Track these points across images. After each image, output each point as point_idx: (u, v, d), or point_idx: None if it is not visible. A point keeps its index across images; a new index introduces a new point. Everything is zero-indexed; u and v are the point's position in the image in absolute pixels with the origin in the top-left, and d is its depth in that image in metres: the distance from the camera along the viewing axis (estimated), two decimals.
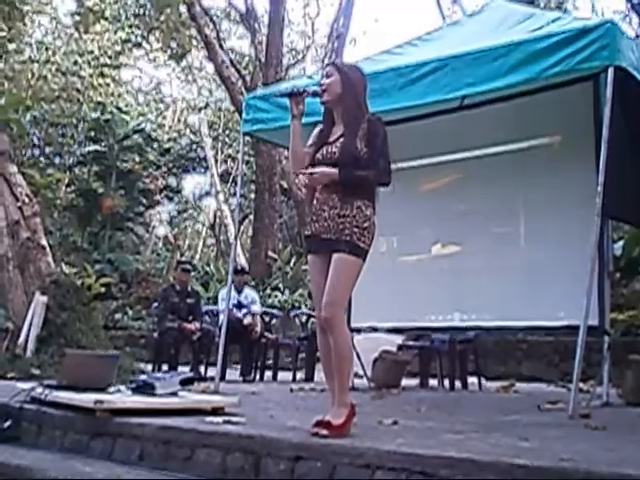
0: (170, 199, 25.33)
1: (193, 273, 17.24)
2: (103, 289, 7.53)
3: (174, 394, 4.06)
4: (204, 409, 3.91)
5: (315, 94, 3.53)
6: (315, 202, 3.48)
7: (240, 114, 17.07)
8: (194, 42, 18.39)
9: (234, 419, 3.62)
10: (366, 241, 3.39)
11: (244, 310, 7.82)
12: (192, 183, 28.29)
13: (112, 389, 4.14)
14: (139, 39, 21.38)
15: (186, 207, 27.80)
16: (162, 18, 11.40)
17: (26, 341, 6.41)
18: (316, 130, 3.62)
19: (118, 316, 13.47)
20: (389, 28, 43.59)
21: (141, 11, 18.41)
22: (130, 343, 12.47)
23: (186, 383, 4.20)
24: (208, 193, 26.62)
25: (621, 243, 9.51)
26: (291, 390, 6.22)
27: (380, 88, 5.48)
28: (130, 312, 13.79)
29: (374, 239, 3.48)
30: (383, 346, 7.25)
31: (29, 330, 6.44)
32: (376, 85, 5.56)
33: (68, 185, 21.30)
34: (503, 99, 5.63)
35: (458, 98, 5.60)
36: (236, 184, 24.88)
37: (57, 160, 23.46)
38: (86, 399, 3.69)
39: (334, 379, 3.42)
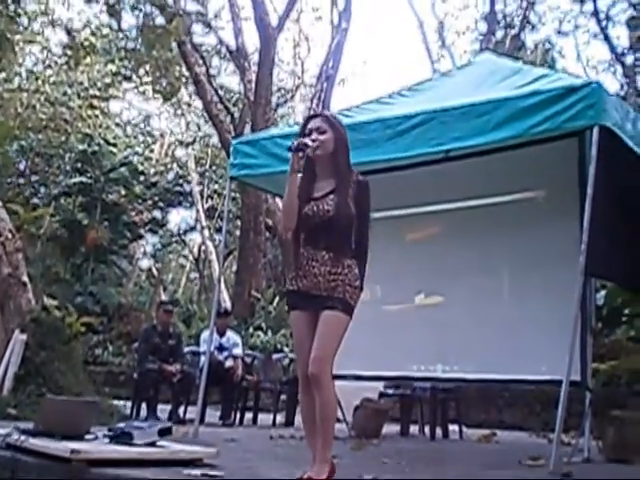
0: (155, 232, 25.27)
1: (176, 309, 17.20)
2: (84, 328, 7.43)
3: (152, 444, 4.01)
4: (182, 460, 3.86)
5: (302, 149, 3.42)
6: (301, 258, 3.44)
7: (227, 152, 17.20)
8: (183, 79, 18.54)
9: (212, 472, 3.57)
10: (356, 300, 3.41)
11: (225, 353, 7.77)
12: (177, 217, 28.31)
13: (90, 436, 4.08)
14: (129, 72, 21.52)
15: (170, 241, 27.73)
16: (153, 53, 11.49)
17: (3, 379, 6.29)
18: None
19: (98, 351, 13.33)
20: (378, 70, 44.33)
21: (131, 45, 18.51)
22: (109, 380, 12.35)
23: (164, 433, 4.14)
24: (193, 228, 26.61)
25: (604, 292, 9.60)
26: (271, 437, 6.15)
27: (368, 139, 5.55)
28: (111, 348, 13.66)
29: None
30: (365, 391, 7.21)
31: (7, 368, 6.32)
32: (364, 135, 5.64)
33: (52, 215, 21.19)
34: (489, 152, 5.69)
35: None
36: (221, 220, 25.05)
37: (42, 190, 23.39)
38: (62, 448, 3.63)
39: (315, 437, 3.39)
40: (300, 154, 3.40)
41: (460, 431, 7.63)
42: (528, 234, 5.91)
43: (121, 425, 4.12)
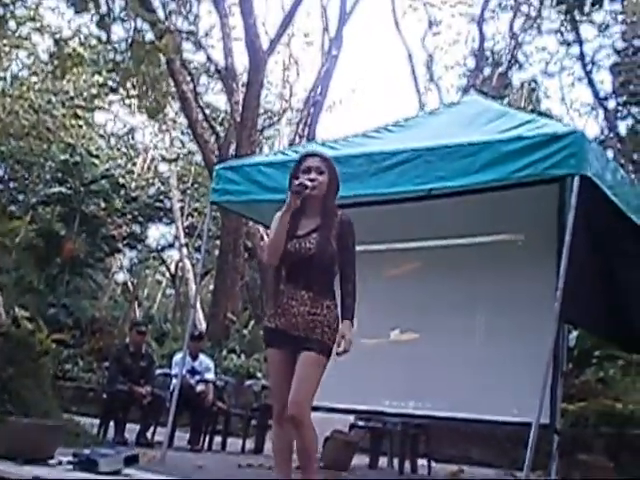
0: (133, 247, 25.10)
1: (149, 327, 17.04)
2: (54, 345, 7.33)
3: (117, 472, 3.96)
4: None
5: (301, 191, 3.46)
6: (281, 295, 3.44)
7: (210, 173, 17.17)
8: (170, 96, 18.51)
9: None
10: (333, 340, 3.40)
11: (197, 377, 7.69)
12: (156, 233, 28.15)
13: (53, 461, 4.02)
14: (115, 84, 21.42)
15: (148, 256, 27.53)
16: (142, 68, 11.45)
17: None
18: (277, 216, 3.52)
19: (68, 366, 13.13)
20: (366, 98, 44.63)
21: (119, 58, 18.46)
22: (78, 396, 12.17)
23: (131, 461, 4.09)
24: (172, 245, 26.47)
25: (576, 333, 9.69)
26: (239, 466, 6.09)
27: (353, 172, 5.57)
28: (81, 363, 13.46)
29: None
30: (335, 423, 7.17)
31: None
32: (349, 169, 5.65)
33: (30, 223, 20.98)
34: (470, 192, 5.74)
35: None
36: (200, 238, 24.95)
37: (20, 197, 23.17)
38: (25, 473, 3.58)
39: (285, 469, 3.37)
40: (304, 194, 3.44)
41: (429, 466, 7.60)
42: (505, 276, 5.96)
43: (86, 451, 4.06)
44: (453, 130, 5.93)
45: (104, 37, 19.03)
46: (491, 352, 5.98)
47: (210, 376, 7.82)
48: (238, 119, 15.71)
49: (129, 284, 26.96)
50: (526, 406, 5.31)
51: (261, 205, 6.38)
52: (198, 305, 16.12)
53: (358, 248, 3.64)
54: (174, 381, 7.45)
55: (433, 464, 7.75)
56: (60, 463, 4.02)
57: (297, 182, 3.44)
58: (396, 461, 7.52)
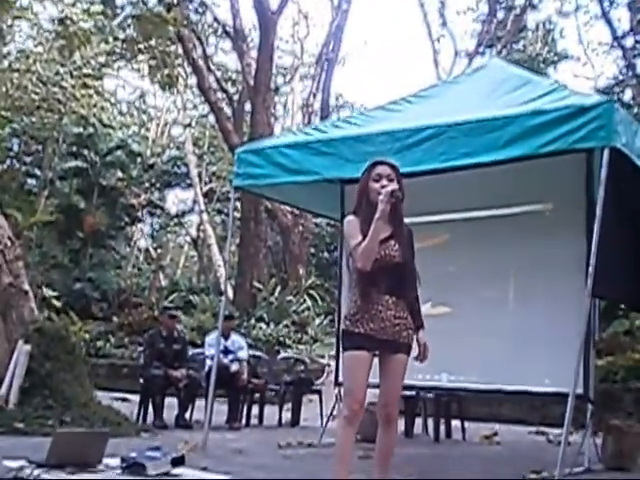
0: (152, 215, 25.19)
1: (174, 295, 17.23)
2: (87, 335, 7.46)
3: (166, 474, 4.04)
4: None
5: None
6: (366, 299, 3.53)
7: (226, 139, 17.07)
8: (179, 60, 18.29)
9: None
10: (412, 340, 3.60)
11: (230, 356, 7.76)
12: (175, 198, 28.19)
13: (101, 466, 4.11)
14: (124, 51, 21.21)
15: (168, 222, 27.64)
16: (151, 43, 11.38)
17: (8, 392, 6.18)
18: (353, 221, 3.60)
19: (100, 344, 13.33)
20: (379, 49, 43.90)
21: (126, 33, 18.17)
22: (112, 373, 12.38)
23: (177, 463, 4.17)
24: (191, 210, 26.52)
25: None
26: (279, 446, 6.18)
27: (376, 151, 5.45)
28: (112, 339, 13.65)
29: None
30: (368, 396, 7.23)
31: (11, 381, 6.20)
32: (371, 148, 5.60)
33: (48, 198, 21.06)
34: (497, 163, 5.65)
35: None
36: (220, 202, 25.01)
37: (36, 172, 23.20)
38: None
39: (347, 465, 3.45)
40: (396, 201, 3.49)
41: (463, 429, 7.68)
42: (535, 246, 5.89)
43: (133, 455, 4.13)
44: (474, 100, 5.81)
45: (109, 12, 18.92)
46: (522, 323, 5.95)
47: (243, 354, 7.89)
48: (251, 82, 15.54)
49: (151, 250, 27.13)
50: (559, 376, 5.34)
51: (284, 187, 6.35)
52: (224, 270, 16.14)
53: None
54: (208, 362, 7.55)
55: (467, 424, 7.83)
56: (108, 467, 4.08)
57: (389, 189, 3.47)
58: (431, 427, 7.64)
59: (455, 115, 5.44)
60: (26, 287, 6.86)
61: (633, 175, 4.97)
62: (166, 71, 11.45)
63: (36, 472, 3.88)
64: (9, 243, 6.91)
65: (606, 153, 4.67)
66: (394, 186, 3.51)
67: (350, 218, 3.62)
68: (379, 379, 3.62)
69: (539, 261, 5.87)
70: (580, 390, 5.27)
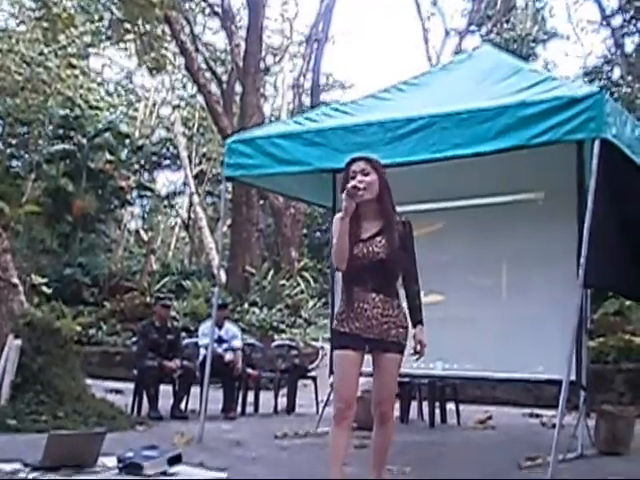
0: (142, 196, 25.04)
1: (166, 278, 17.18)
2: (79, 328, 7.40)
3: (163, 473, 4.05)
4: None
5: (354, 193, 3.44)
6: (352, 298, 3.49)
7: (216, 123, 16.93)
8: (168, 38, 18.08)
9: None
10: (406, 338, 3.55)
11: (225, 345, 7.77)
12: (165, 180, 28.02)
13: (98, 467, 4.11)
14: (109, 33, 20.89)
15: (158, 205, 27.50)
16: (138, 25, 11.21)
17: None
18: (336, 220, 3.54)
19: (92, 331, 13.30)
20: (369, 29, 43.51)
21: (113, 9, 17.87)
22: (105, 360, 12.38)
23: (174, 461, 4.18)
24: (182, 192, 26.39)
25: None
26: (275, 436, 6.21)
27: (366, 142, 5.49)
28: (104, 327, 13.62)
29: None
30: (363, 384, 7.27)
31: (2, 376, 6.10)
32: (362, 138, 5.59)
33: (34, 181, 20.84)
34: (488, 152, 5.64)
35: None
36: (210, 183, 24.90)
37: (22, 153, 22.95)
38: None
39: (340, 473, 3.43)
40: (357, 198, 3.43)
41: (457, 413, 7.73)
42: (527, 235, 5.92)
43: (129, 454, 4.13)
44: (466, 89, 5.80)
45: None
46: (514, 311, 6.00)
47: (237, 343, 7.90)
48: (240, 64, 15.40)
49: (142, 232, 27.01)
50: (552, 363, 5.39)
51: (276, 177, 6.33)
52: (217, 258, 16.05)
53: None
54: (202, 351, 7.56)
55: (461, 407, 7.88)
56: (105, 467, 4.09)
57: (348, 186, 3.43)
58: (426, 412, 7.69)
59: (447, 104, 5.43)
60: (15, 280, 6.77)
61: (623, 165, 4.98)
62: (153, 54, 11.32)
63: (31, 476, 3.88)
64: None
65: (597, 144, 4.69)
66: (354, 182, 3.45)
67: (336, 217, 3.57)
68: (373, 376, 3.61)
69: (532, 249, 5.90)
70: (573, 377, 5.32)
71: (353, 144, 5.48)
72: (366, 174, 3.52)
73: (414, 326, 3.59)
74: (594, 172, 4.68)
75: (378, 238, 3.51)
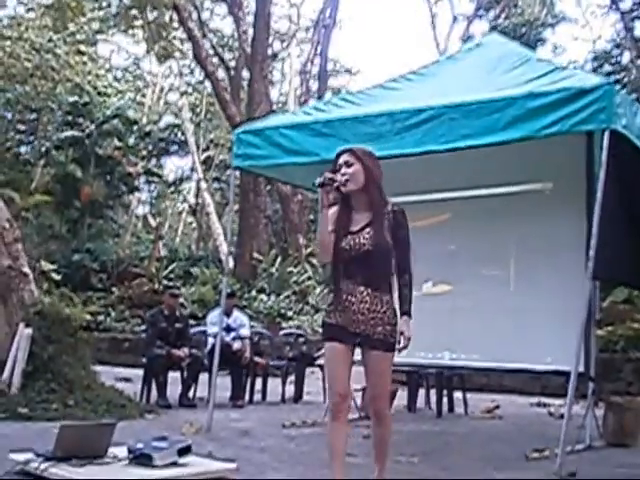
0: (150, 182, 25.07)
1: (174, 264, 17.24)
2: (89, 316, 7.44)
3: (173, 464, 4.07)
4: None
5: (327, 184, 3.40)
6: (340, 291, 3.43)
7: (224, 110, 16.91)
8: (175, 24, 18.01)
9: None
10: (395, 336, 3.38)
11: (233, 334, 7.80)
12: (172, 165, 28.00)
13: (108, 458, 4.13)
14: (118, 21, 20.87)
15: (166, 191, 27.52)
16: (147, 14, 11.21)
17: (11, 377, 6.14)
18: (330, 213, 3.50)
19: (101, 318, 13.37)
20: (376, 12, 43.19)
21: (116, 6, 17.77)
22: (114, 347, 12.45)
23: (184, 452, 4.19)
24: (189, 177, 26.39)
25: None
26: (283, 426, 6.24)
27: (375, 132, 5.49)
28: (113, 313, 13.68)
29: None
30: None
31: (14, 365, 6.16)
32: (371, 129, 5.58)
33: (44, 167, 20.91)
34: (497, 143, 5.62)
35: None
36: (218, 169, 24.89)
37: (32, 139, 23.00)
38: (84, 472, 3.70)
39: (341, 460, 3.40)
40: (328, 189, 3.39)
41: (465, 402, 7.75)
42: (535, 225, 5.92)
43: (140, 445, 4.15)
44: (474, 79, 5.76)
45: None
46: (522, 301, 6.00)
47: (245, 332, 7.93)
48: (248, 50, 15.34)
49: (149, 218, 27.06)
50: (560, 354, 5.39)
51: (285, 167, 6.32)
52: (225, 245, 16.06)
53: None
54: (210, 340, 7.59)
55: (468, 395, 7.89)
56: (115, 457, 4.11)
57: (319, 180, 3.39)
58: (433, 400, 7.72)
59: (455, 94, 5.40)
60: (26, 269, 6.79)
61: (633, 156, 4.95)
62: (162, 43, 11.28)
63: (43, 466, 3.91)
64: (7, 225, 6.82)
65: (606, 136, 4.66)
66: (327, 174, 3.41)
67: (331, 210, 3.51)
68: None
69: (540, 240, 5.90)
70: (582, 368, 5.32)
71: (362, 135, 5.47)
72: (349, 165, 3.46)
73: (400, 316, 3.42)
74: (603, 163, 4.66)
75: (367, 230, 3.43)
